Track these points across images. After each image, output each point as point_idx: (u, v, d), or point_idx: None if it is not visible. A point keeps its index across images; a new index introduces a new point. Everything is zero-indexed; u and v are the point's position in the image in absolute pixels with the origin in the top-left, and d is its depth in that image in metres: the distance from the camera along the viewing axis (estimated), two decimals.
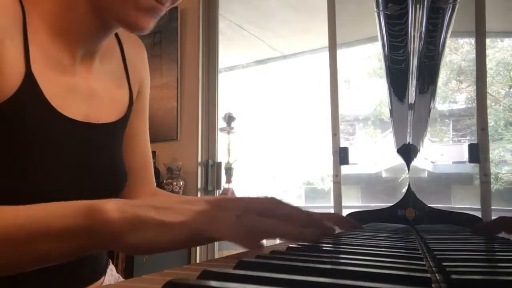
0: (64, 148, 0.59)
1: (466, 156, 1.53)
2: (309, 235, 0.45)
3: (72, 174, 0.59)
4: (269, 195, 0.45)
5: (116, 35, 0.72)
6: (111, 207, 0.38)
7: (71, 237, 0.38)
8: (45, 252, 0.39)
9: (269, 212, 0.43)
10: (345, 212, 1.32)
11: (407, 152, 1.08)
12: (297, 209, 0.47)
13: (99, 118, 0.64)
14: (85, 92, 0.62)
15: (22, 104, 0.54)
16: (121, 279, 0.78)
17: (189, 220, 0.38)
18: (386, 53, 0.87)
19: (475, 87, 1.60)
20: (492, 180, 1.55)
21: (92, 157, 0.62)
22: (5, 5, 0.54)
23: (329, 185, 4.57)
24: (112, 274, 0.75)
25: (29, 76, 0.55)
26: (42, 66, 0.57)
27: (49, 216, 0.39)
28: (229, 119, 2.59)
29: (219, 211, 0.40)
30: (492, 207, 1.52)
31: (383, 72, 0.96)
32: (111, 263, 0.77)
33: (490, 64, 3.49)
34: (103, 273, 0.72)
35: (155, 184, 0.81)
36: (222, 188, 2.43)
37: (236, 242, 0.39)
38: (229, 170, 2.46)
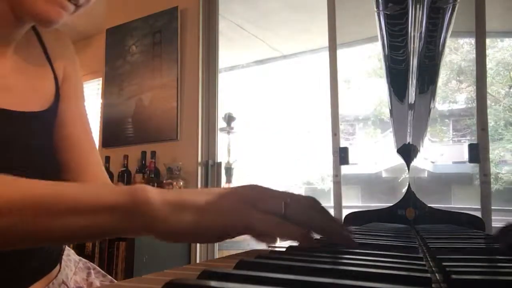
0: None
1: (466, 156, 1.53)
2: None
3: None
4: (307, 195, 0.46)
5: (33, 27, 0.69)
6: (152, 190, 0.39)
7: (111, 213, 0.39)
8: (80, 226, 0.39)
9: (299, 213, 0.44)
10: (345, 212, 1.32)
11: (407, 152, 1.08)
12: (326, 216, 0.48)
13: (14, 107, 0.60)
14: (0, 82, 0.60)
15: None
16: (83, 261, 0.76)
17: (227, 210, 0.40)
18: (386, 53, 0.87)
19: (475, 87, 1.60)
20: (492, 180, 1.55)
21: (5, 146, 0.59)
22: None
23: (329, 185, 4.57)
24: (70, 259, 0.72)
25: None
26: None
27: (92, 191, 0.40)
28: (229, 119, 2.60)
29: (254, 208, 0.41)
30: (492, 207, 1.52)
31: (383, 72, 0.96)
32: (66, 247, 0.74)
33: (490, 64, 3.49)
34: (56, 262, 0.68)
35: (106, 175, 0.76)
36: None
37: (268, 231, 0.41)
38: (229, 170, 2.47)
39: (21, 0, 0.56)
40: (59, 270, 0.68)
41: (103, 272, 0.77)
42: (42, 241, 0.41)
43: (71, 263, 0.73)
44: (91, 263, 0.78)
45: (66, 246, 0.74)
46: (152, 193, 0.39)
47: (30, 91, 0.64)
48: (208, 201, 0.40)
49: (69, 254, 0.74)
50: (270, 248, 0.45)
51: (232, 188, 0.44)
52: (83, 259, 0.77)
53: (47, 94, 0.66)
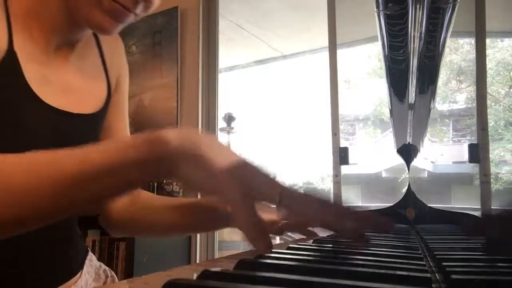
0: (37, 134, 0.58)
1: (466, 156, 1.53)
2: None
3: None
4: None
5: None
6: (173, 137, 0.40)
7: (133, 168, 0.40)
8: (108, 186, 0.41)
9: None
10: None
11: (407, 152, 1.08)
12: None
13: (74, 109, 0.63)
14: (59, 84, 0.62)
15: (0, 82, 0.53)
16: (103, 267, 0.77)
17: (234, 168, 0.40)
18: (386, 53, 0.87)
19: (475, 87, 1.60)
20: (492, 180, 1.55)
21: (64, 146, 0.62)
22: None
23: (329, 185, 4.57)
24: (91, 265, 0.74)
25: (11, 54, 0.54)
26: (23, 46, 0.56)
27: (111, 152, 0.41)
28: (229, 119, 2.59)
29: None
30: (492, 207, 1.52)
31: (383, 72, 0.96)
32: (90, 252, 0.75)
33: (490, 64, 3.49)
34: (80, 267, 0.70)
35: None
36: None
37: (275, 197, 0.39)
38: None
39: (79, 9, 0.57)
40: (80, 276, 0.69)
41: (117, 280, 0.77)
42: (79, 206, 0.43)
43: (92, 269, 0.74)
44: (111, 270, 0.78)
45: (89, 252, 0.75)
46: (172, 142, 0.40)
47: (86, 94, 0.66)
48: (217, 168, 0.40)
49: (91, 260, 0.75)
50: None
51: (244, 164, 0.42)
52: (104, 266, 0.78)
53: (99, 97, 0.69)
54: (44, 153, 0.41)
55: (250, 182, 0.40)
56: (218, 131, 2.49)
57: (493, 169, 2.62)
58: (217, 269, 0.28)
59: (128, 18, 0.59)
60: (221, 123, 2.54)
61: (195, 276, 0.27)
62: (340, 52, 1.96)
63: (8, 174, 0.39)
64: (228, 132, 2.58)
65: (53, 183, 0.39)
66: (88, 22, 0.58)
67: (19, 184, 0.39)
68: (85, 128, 0.65)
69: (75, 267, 0.69)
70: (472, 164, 1.52)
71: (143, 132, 0.42)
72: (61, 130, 0.61)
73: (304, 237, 0.63)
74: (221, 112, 2.53)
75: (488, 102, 1.82)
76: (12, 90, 0.54)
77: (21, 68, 0.55)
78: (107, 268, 0.78)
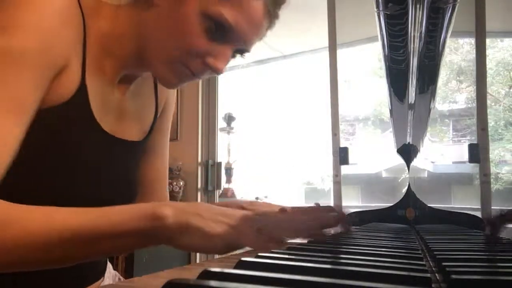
0: (94, 159, 0.61)
1: (466, 156, 1.53)
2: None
3: (95, 184, 0.62)
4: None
5: None
6: (169, 213, 0.46)
7: (135, 237, 0.46)
8: (109, 248, 0.47)
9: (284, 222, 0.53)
10: None
11: (407, 152, 1.08)
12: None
13: (125, 135, 0.66)
14: (117, 110, 0.65)
15: (70, 114, 0.56)
16: (118, 275, 0.81)
17: (224, 233, 0.46)
18: (386, 53, 0.87)
19: (475, 87, 1.60)
20: (492, 180, 1.55)
21: (114, 170, 0.65)
22: (71, 16, 0.55)
23: (329, 185, 4.56)
24: (109, 271, 0.78)
25: (82, 88, 0.57)
26: (93, 79, 0.59)
27: (118, 219, 0.46)
28: (229, 119, 2.59)
29: (246, 227, 0.47)
30: (492, 207, 1.52)
31: (383, 72, 0.97)
32: (107, 261, 0.80)
33: (490, 64, 3.49)
34: (103, 272, 0.74)
35: (168, 197, 0.85)
36: (222, 188, 2.43)
37: (259, 249, 0.46)
38: (229, 170, 2.46)
39: (151, 61, 0.61)
40: (103, 280, 0.73)
41: None
42: (75, 262, 0.49)
43: (110, 275, 0.78)
44: (124, 279, 0.83)
45: (107, 261, 0.79)
46: (168, 217, 0.46)
47: (136, 121, 0.70)
48: (207, 226, 0.46)
49: (109, 267, 0.79)
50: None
51: (226, 212, 0.49)
52: (118, 274, 0.82)
53: (145, 125, 0.72)
54: (64, 210, 0.46)
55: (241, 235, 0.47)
56: (218, 131, 2.49)
57: (493, 169, 2.62)
58: (217, 269, 0.28)
59: (192, 80, 0.62)
60: (221, 123, 2.54)
61: (195, 276, 0.27)
62: (340, 52, 1.96)
63: (30, 221, 0.44)
64: (228, 132, 2.58)
65: (71, 235, 0.44)
66: (156, 75, 0.62)
67: (55, 244, 0.44)
68: (131, 154, 0.69)
69: (97, 273, 0.73)
70: (472, 164, 1.52)
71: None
72: (113, 155, 0.65)
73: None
74: (221, 112, 2.53)
75: (488, 102, 1.83)
76: (80, 121, 0.58)
77: (89, 101, 0.58)
78: (121, 277, 0.82)
